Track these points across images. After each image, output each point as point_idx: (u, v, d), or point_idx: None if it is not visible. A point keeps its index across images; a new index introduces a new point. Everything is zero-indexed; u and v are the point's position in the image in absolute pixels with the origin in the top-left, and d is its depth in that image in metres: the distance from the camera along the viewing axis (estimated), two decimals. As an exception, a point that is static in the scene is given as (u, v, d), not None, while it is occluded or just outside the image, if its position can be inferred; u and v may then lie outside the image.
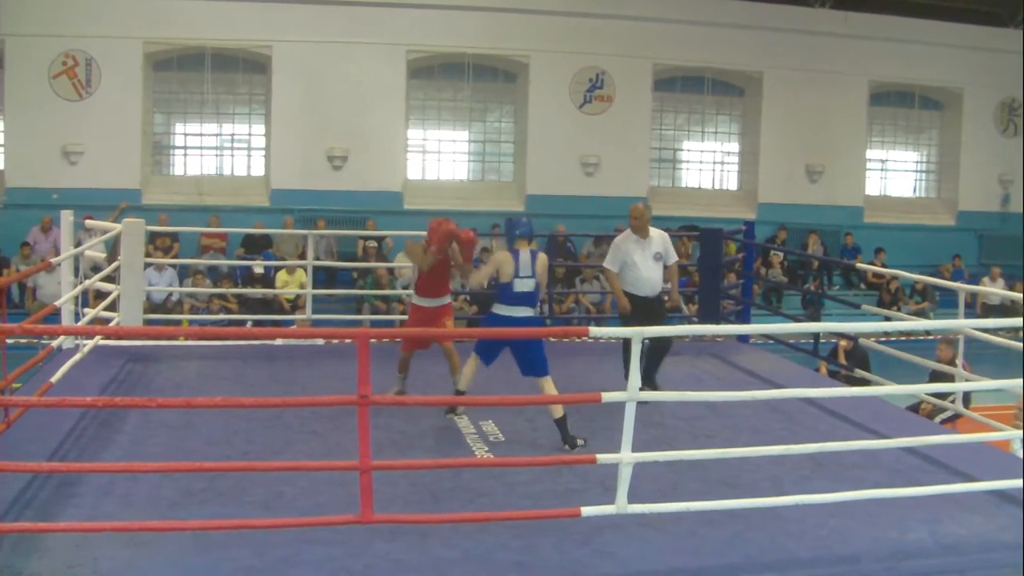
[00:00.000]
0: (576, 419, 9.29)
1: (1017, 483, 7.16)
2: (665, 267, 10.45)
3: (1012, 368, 8.60)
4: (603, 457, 6.31)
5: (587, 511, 6.22)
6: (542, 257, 8.92)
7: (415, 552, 6.21)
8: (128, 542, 6.09)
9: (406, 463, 7.63)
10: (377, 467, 6.05)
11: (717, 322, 13.11)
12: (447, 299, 9.93)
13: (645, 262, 10.19)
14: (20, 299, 19.11)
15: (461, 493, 7.28)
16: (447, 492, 7.27)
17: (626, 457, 6.13)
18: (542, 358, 8.73)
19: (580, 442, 8.45)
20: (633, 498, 6.20)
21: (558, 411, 8.54)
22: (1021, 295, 15.46)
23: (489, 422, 9.15)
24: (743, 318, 13.69)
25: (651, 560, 6.30)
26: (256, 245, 21.32)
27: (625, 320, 10.09)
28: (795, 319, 18.29)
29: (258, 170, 23.59)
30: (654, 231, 10.41)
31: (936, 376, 11.85)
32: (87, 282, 11.24)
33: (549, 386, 8.73)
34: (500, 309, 8.93)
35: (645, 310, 10.06)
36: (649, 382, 9.92)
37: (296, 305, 18.92)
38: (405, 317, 18.68)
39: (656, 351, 10.40)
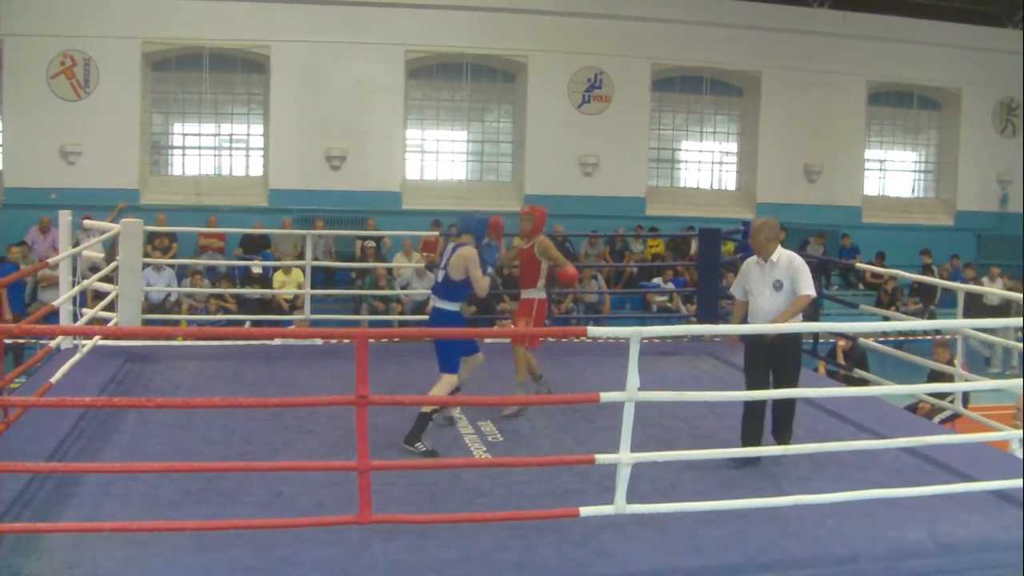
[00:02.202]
0: (576, 419, 9.33)
1: (1016, 483, 7.16)
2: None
3: (1012, 368, 8.60)
4: (602, 457, 6.30)
5: (586, 511, 6.22)
6: (461, 251, 8.70)
7: (414, 552, 6.20)
8: (127, 542, 6.09)
9: (404, 463, 7.64)
10: (376, 467, 6.04)
11: (716, 322, 13.11)
12: (529, 293, 9.96)
13: (762, 291, 8.50)
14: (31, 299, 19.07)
15: (459, 493, 7.28)
16: (445, 492, 7.27)
17: (625, 457, 6.13)
18: (447, 355, 8.60)
19: (420, 446, 8.20)
20: (632, 498, 6.20)
21: (428, 407, 8.35)
22: (1021, 295, 15.47)
23: (487, 422, 9.16)
24: (741, 318, 13.67)
25: (650, 560, 6.29)
26: (254, 245, 21.30)
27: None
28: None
29: (256, 170, 23.58)
30: (782, 253, 8.55)
31: (935, 376, 11.85)
32: (85, 282, 11.24)
33: (444, 384, 8.54)
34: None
35: (763, 350, 8.41)
36: (781, 436, 8.46)
37: (294, 305, 18.90)
38: (404, 317, 18.80)
39: (780, 405, 8.60)
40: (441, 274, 8.77)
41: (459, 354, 8.68)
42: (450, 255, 8.73)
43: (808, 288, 8.34)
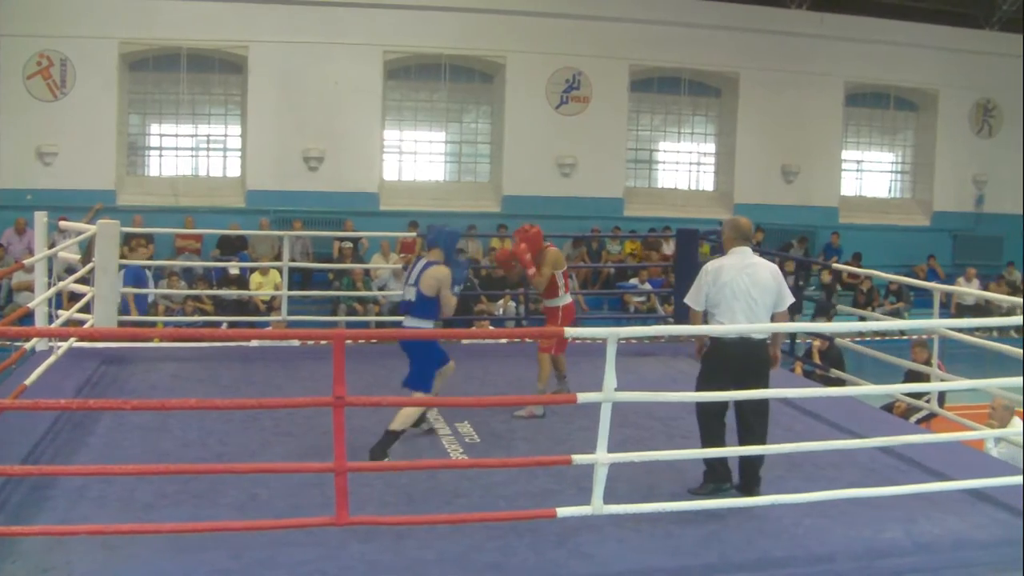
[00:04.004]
0: (553, 419, 9.34)
1: (990, 482, 7.21)
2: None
3: (986, 368, 8.65)
4: (579, 458, 6.31)
5: (563, 512, 6.22)
6: (434, 271, 8.35)
7: (391, 554, 6.20)
8: (102, 545, 6.05)
9: (382, 465, 7.62)
10: (352, 469, 6.04)
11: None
12: (552, 302, 9.97)
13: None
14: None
15: (437, 494, 7.27)
16: (423, 493, 7.26)
17: (602, 458, 6.13)
18: (419, 373, 8.36)
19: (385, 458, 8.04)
20: (609, 499, 6.20)
21: (398, 424, 8.10)
22: (996, 295, 15.55)
23: (465, 423, 9.14)
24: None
25: (627, 560, 6.30)
26: (231, 246, 21.25)
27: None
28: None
29: (234, 171, 23.53)
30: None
31: (911, 376, 11.90)
32: (61, 284, 11.18)
33: (417, 402, 8.19)
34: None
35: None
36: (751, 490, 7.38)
37: (271, 307, 18.86)
38: (381, 318, 18.79)
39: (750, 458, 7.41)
40: (412, 291, 8.44)
41: (434, 372, 8.47)
42: (420, 272, 8.41)
43: (687, 297, 7.68)
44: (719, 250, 8.25)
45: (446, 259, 8.51)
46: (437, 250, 8.55)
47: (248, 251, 21.31)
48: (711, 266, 7.53)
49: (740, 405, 7.43)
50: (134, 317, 14.43)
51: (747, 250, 7.61)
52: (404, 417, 8.15)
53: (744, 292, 7.39)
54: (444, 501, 7.17)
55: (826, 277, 22.85)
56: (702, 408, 7.51)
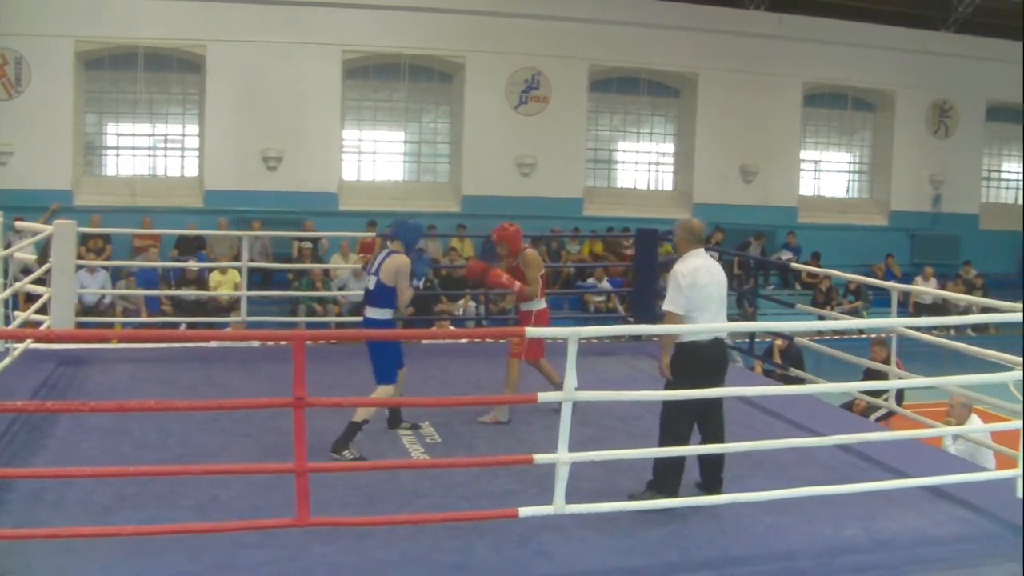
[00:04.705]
0: (514, 419, 9.32)
1: (949, 479, 7.27)
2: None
3: (944, 366, 8.72)
4: (540, 457, 6.30)
5: (525, 511, 6.21)
6: (395, 259, 8.44)
7: (352, 555, 6.18)
8: (61, 548, 6.00)
9: (342, 465, 7.61)
10: (313, 469, 6.02)
11: (653, 322, 13.15)
12: (527, 306, 9.75)
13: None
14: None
15: (398, 495, 7.25)
16: (384, 494, 7.25)
17: (563, 457, 6.13)
18: (381, 365, 8.44)
19: (348, 455, 8.06)
20: (570, 498, 6.20)
21: (360, 415, 8.17)
22: (953, 294, 15.68)
23: (425, 423, 9.13)
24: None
25: (589, 560, 6.31)
26: (190, 246, 21.13)
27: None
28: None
29: (192, 171, 23.38)
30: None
31: (870, 374, 11.97)
32: (17, 285, 11.08)
33: (379, 394, 8.36)
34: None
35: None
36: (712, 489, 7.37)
37: (231, 307, 18.76)
38: (341, 318, 18.72)
39: (713, 458, 7.44)
40: (372, 280, 8.53)
41: (395, 364, 8.53)
42: (382, 260, 8.50)
43: (665, 303, 7.39)
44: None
45: (407, 251, 8.55)
46: (399, 242, 8.59)
47: (207, 251, 21.19)
48: (686, 269, 7.35)
49: (709, 406, 7.39)
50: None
51: (702, 251, 7.56)
52: (364, 408, 8.19)
53: (717, 294, 7.41)
54: (406, 501, 7.15)
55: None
56: (675, 413, 7.28)
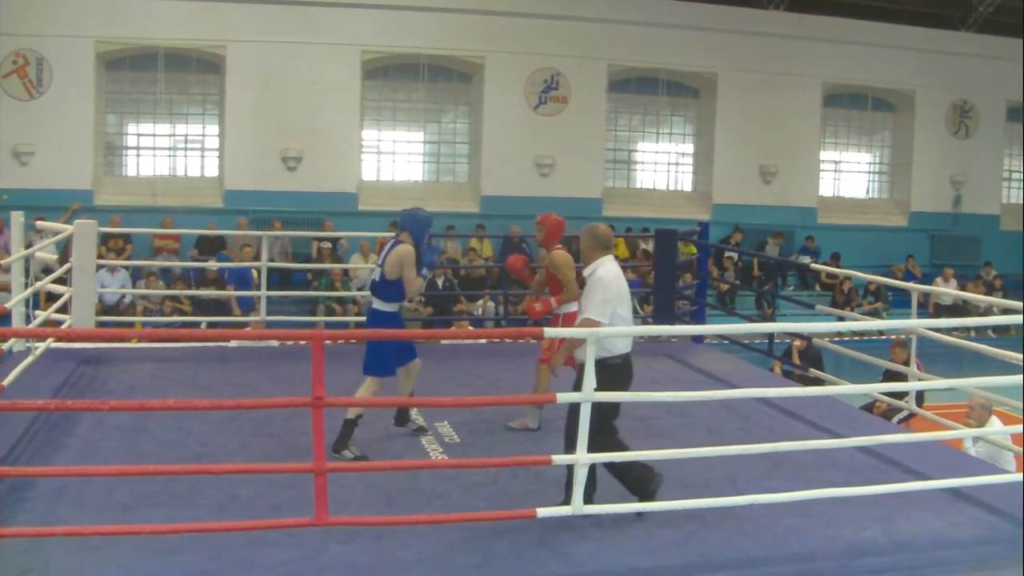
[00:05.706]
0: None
1: (969, 481, 7.24)
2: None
3: (964, 368, 8.67)
4: (559, 458, 6.31)
5: (543, 512, 6.21)
6: (397, 249, 8.35)
7: (370, 554, 6.18)
8: (80, 546, 6.02)
9: (361, 465, 7.61)
10: (332, 469, 6.02)
11: (672, 323, 13.14)
12: (567, 308, 9.21)
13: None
14: None
15: (416, 495, 7.26)
16: (402, 494, 7.25)
17: (582, 458, 6.12)
18: (372, 357, 8.37)
19: (348, 454, 8.04)
20: (589, 499, 6.19)
21: (352, 412, 8.14)
22: (973, 295, 15.60)
23: (444, 423, 9.13)
24: (698, 319, 13.73)
25: (607, 560, 6.30)
26: (210, 246, 21.17)
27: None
28: (749, 319, 18.39)
29: (212, 171, 23.42)
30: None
31: (890, 376, 11.93)
32: (38, 284, 11.12)
33: (366, 387, 8.32)
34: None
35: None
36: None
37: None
38: (360, 318, 18.71)
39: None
40: (378, 272, 8.47)
41: (388, 357, 8.41)
42: (387, 252, 8.44)
43: (590, 311, 6.96)
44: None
45: (415, 242, 8.48)
46: (407, 233, 8.52)
47: (227, 251, 21.23)
48: (609, 276, 7.00)
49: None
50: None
51: (611, 258, 7.21)
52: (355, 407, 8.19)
53: (628, 304, 7.17)
54: (424, 502, 7.15)
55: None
56: (607, 419, 6.89)
